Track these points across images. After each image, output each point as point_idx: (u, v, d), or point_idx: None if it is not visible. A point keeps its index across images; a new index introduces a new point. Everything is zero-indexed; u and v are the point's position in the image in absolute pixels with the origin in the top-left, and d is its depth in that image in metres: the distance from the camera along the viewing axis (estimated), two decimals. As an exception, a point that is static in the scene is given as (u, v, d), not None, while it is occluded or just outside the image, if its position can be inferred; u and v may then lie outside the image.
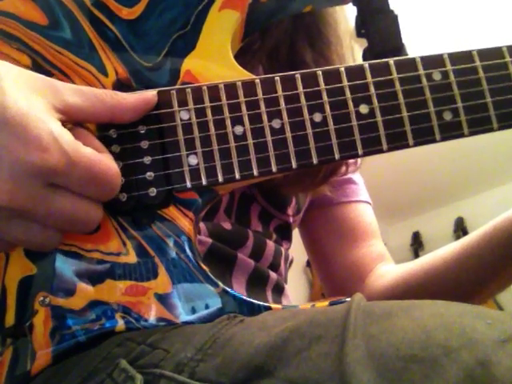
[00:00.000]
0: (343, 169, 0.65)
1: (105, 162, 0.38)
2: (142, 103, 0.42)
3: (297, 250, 0.76)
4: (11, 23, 0.44)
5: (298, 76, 0.44)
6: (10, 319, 0.40)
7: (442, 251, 0.62)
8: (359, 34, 0.48)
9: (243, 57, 0.49)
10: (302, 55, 0.60)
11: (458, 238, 3.22)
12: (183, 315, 0.41)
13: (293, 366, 0.30)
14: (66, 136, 0.36)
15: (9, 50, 0.44)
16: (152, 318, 0.40)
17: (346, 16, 0.65)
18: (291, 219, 0.66)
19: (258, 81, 0.44)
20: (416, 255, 3.49)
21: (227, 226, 0.55)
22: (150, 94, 0.43)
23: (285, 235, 0.66)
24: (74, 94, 0.39)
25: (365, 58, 0.47)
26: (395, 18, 0.47)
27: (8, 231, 0.37)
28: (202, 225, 0.52)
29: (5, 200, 0.34)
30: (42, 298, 0.40)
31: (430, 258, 0.63)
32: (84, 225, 0.39)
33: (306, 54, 0.60)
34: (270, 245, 0.60)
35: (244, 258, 0.56)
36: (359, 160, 0.70)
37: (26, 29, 0.44)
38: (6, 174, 0.34)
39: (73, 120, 0.40)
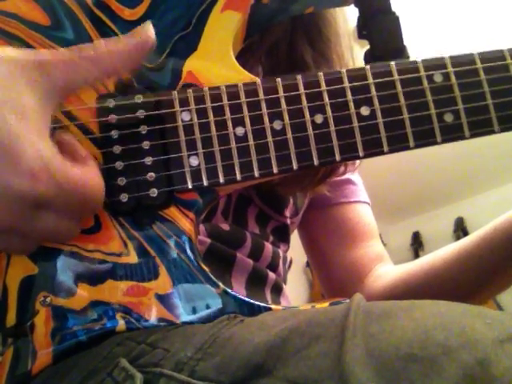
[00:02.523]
0: (342, 169, 0.65)
1: (91, 182, 0.38)
2: (137, 50, 0.40)
3: (296, 250, 0.76)
4: (13, 23, 0.44)
5: (299, 77, 0.44)
6: (11, 319, 0.40)
7: (442, 252, 0.62)
8: (361, 36, 0.48)
9: (242, 56, 0.48)
10: (302, 54, 0.59)
11: (458, 238, 3.22)
12: (184, 315, 0.41)
13: (292, 365, 0.30)
14: (55, 161, 0.36)
15: (10, 50, 0.44)
16: (152, 318, 0.40)
17: (346, 15, 0.65)
18: (289, 221, 0.66)
19: (259, 82, 0.44)
20: (416, 255, 3.49)
21: (225, 227, 0.55)
22: (145, 35, 0.40)
23: (282, 237, 0.65)
24: (64, 68, 0.38)
25: (366, 60, 0.47)
26: (397, 19, 0.47)
27: None
28: (200, 225, 0.52)
29: None
30: (43, 298, 0.40)
31: (429, 259, 0.63)
32: (63, 238, 0.40)
33: (306, 53, 0.59)
34: (268, 246, 0.60)
35: (243, 258, 0.56)
36: (358, 160, 0.70)
37: (28, 29, 0.44)
38: None
39: (70, 94, 0.40)
